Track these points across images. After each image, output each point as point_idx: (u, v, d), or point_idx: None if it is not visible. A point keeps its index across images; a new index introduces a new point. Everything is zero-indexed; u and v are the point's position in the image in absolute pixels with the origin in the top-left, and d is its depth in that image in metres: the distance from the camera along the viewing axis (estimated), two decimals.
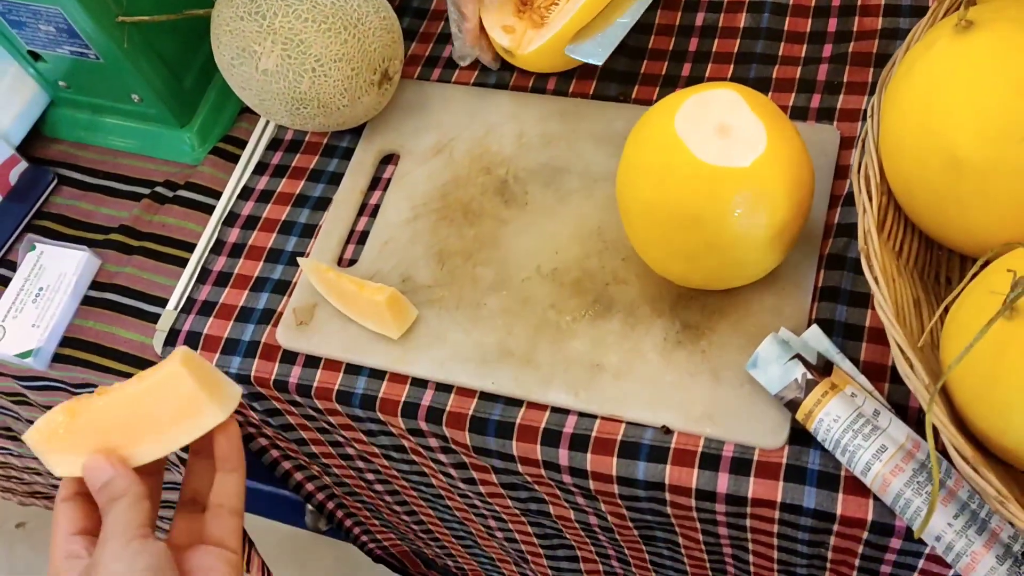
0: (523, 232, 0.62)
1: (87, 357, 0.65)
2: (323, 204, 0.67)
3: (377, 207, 0.66)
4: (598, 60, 0.62)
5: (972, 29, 0.42)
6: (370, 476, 0.74)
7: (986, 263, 0.41)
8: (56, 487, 0.88)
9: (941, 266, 0.53)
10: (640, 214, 0.52)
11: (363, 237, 0.65)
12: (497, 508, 0.67)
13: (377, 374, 0.59)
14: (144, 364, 0.63)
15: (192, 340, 0.62)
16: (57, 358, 0.65)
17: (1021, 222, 0.43)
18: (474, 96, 0.69)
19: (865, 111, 0.62)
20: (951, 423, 0.40)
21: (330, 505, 0.83)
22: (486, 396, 0.57)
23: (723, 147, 0.48)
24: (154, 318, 0.65)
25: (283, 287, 0.64)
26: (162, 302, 0.66)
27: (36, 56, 0.70)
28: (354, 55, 0.62)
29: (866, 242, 0.46)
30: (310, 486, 0.79)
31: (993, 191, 0.42)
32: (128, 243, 0.69)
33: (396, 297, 0.58)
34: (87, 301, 0.67)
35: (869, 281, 0.46)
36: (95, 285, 0.67)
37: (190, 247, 0.68)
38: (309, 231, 0.66)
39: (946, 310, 0.44)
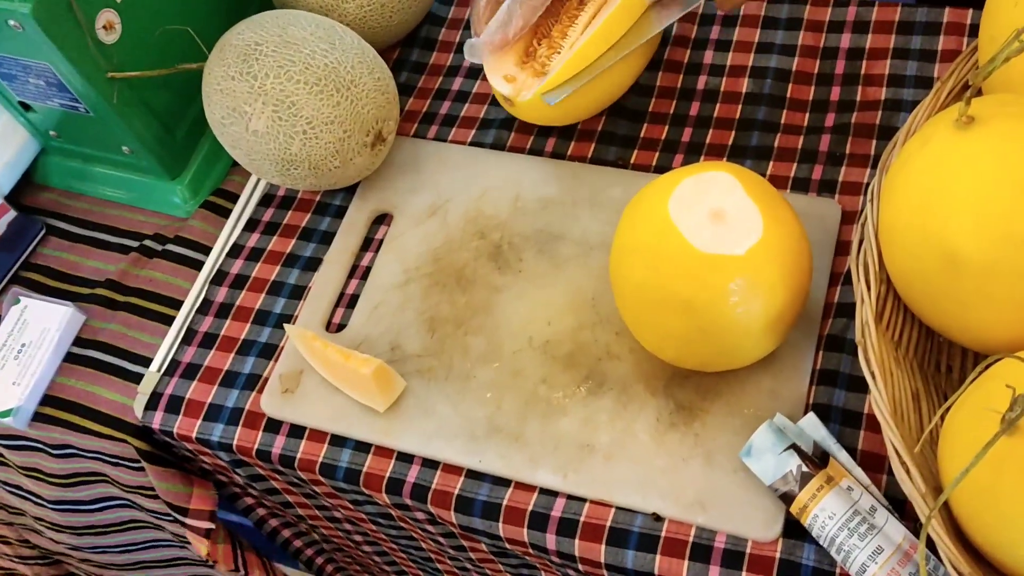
0: (516, 300, 0.61)
1: (67, 417, 0.63)
2: (314, 264, 0.66)
3: (368, 269, 0.65)
4: (551, 101, 0.61)
5: (973, 125, 0.40)
6: (358, 538, 0.72)
7: (985, 368, 0.39)
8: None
9: (942, 354, 0.51)
10: (632, 295, 0.51)
11: (353, 300, 0.64)
12: (488, 572, 0.65)
13: (362, 447, 0.57)
14: (125, 427, 0.62)
15: (174, 405, 0.61)
16: (37, 417, 0.64)
17: (1022, 323, 0.41)
18: (471, 156, 0.68)
19: (866, 187, 0.61)
20: (947, 535, 0.39)
21: (319, 560, 0.82)
22: (473, 474, 0.55)
23: (718, 233, 0.47)
24: (137, 378, 0.64)
25: (270, 351, 0.62)
26: (146, 361, 0.64)
27: (27, 107, 0.70)
28: (346, 117, 0.61)
29: (863, 335, 0.45)
30: (298, 542, 0.78)
31: (994, 292, 0.40)
32: (114, 298, 0.68)
33: (383, 370, 0.56)
34: (69, 358, 0.66)
35: (866, 374, 0.44)
36: (78, 341, 0.66)
37: (177, 304, 0.67)
38: (298, 292, 0.65)
39: (945, 409, 0.42)
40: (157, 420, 0.61)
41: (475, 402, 0.57)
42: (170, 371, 0.63)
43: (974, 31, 0.66)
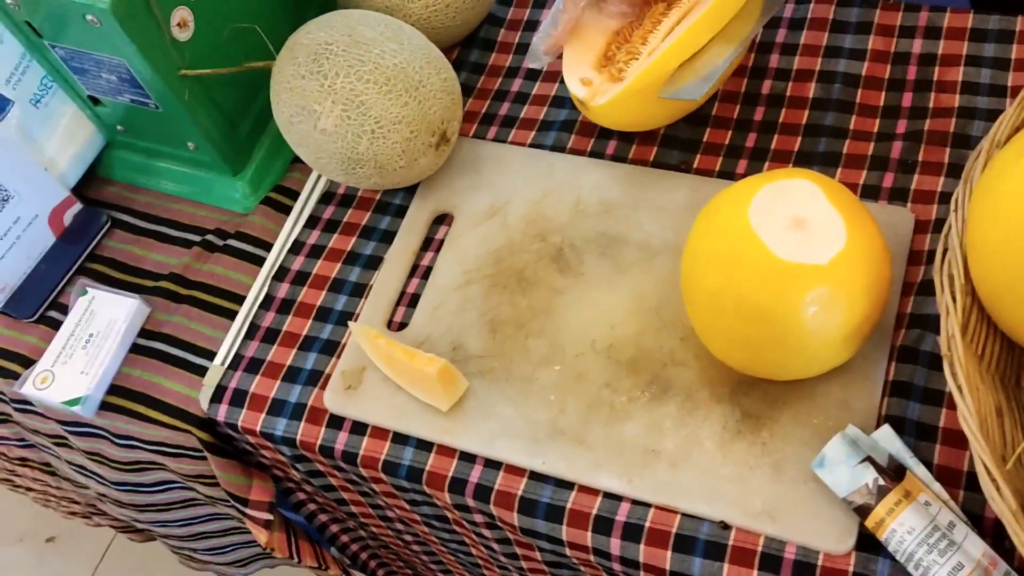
0: (578, 304, 0.60)
1: (132, 407, 0.64)
2: (374, 263, 0.66)
3: (429, 269, 0.65)
4: (695, 96, 0.60)
5: None
6: (408, 538, 0.72)
7: None
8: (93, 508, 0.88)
9: (1022, 368, 0.50)
10: (705, 301, 0.50)
11: (414, 300, 0.64)
12: None
13: (424, 445, 0.57)
14: (189, 419, 0.63)
15: (238, 398, 0.62)
16: (103, 406, 0.65)
17: None
18: (530, 158, 0.68)
19: (942, 195, 0.59)
20: None
21: (363, 555, 0.82)
22: (536, 476, 0.55)
23: (799, 241, 0.46)
24: (200, 370, 0.64)
25: (332, 348, 0.62)
26: (208, 354, 0.65)
27: (95, 100, 0.70)
28: (414, 118, 0.61)
29: (950, 348, 0.44)
30: (345, 537, 0.78)
31: None
32: (177, 291, 0.68)
33: (448, 369, 0.56)
34: (134, 349, 0.66)
35: (953, 390, 0.43)
36: (143, 333, 0.67)
37: (238, 299, 0.67)
38: (360, 290, 0.65)
39: None
40: (222, 413, 0.61)
41: (537, 404, 0.57)
42: (234, 365, 0.63)
43: None
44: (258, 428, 0.60)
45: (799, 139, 0.65)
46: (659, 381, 0.56)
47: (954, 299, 0.45)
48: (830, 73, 0.67)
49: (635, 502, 0.53)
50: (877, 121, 0.64)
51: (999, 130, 0.50)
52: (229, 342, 0.64)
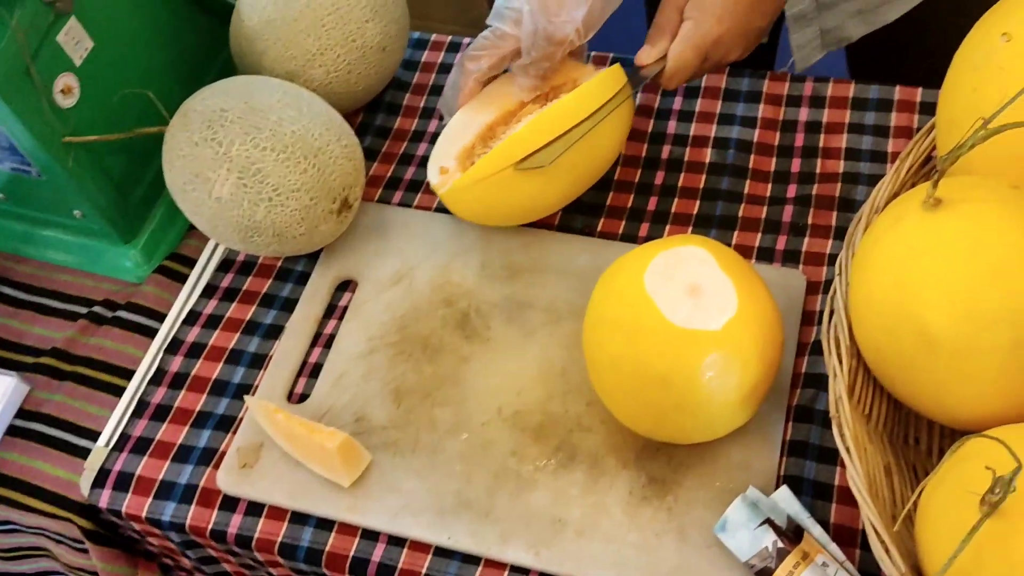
0: (484, 370, 0.60)
1: (8, 494, 0.60)
2: (275, 332, 0.64)
3: (332, 337, 0.63)
4: (544, 163, 0.59)
5: (941, 207, 0.42)
6: None
7: (960, 446, 0.39)
8: None
9: (909, 426, 0.52)
10: (606, 368, 0.50)
11: (316, 370, 0.62)
12: None
13: (325, 524, 0.55)
14: (70, 505, 0.59)
15: (123, 482, 0.58)
16: None
17: (997, 400, 0.42)
18: (437, 222, 0.68)
19: (831, 256, 0.62)
20: None
21: None
22: (442, 552, 0.53)
23: (694, 308, 0.47)
24: (83, 452, 0.61)
25: (227, 423, 0.60)
26: (93, 435, 0.61)
27: None
28: (313, 184, 0.60)
29: (837, 409, 0.45)
30: None
31: (967, 370, 0.41)
32: (60, 368, 0.65)
33: (349, 443, 0.55)
34: (11, 431, 0.62)
35: (841, 451, 0.44)
36: (21, 413, 0.63)
37: (128, 374, 0.64)
38: (259, 361, 0.63)
39: (921, 488, 0.42)
40: (104, 498, 0.58)
41: (443, 476, 0.56)
42: (119, 446, 0.60)
43: (924, 108, 0.68)
44: (143, 514, 0.57)
45: (697, 203, 0.66)
46: (566, 448, 0.56)
47: (840, 361, 0.47)
48: (724, 139, 0.69)
49: (543, 574, 0.52)
50: (769, 186, 0.66)
51: (878, 196, 0.52)
52: (115, 421, 0.61)
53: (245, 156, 0.59)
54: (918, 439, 0.51)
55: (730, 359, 0.47)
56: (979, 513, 0.36)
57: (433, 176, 0.63)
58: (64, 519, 0.58)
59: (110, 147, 0.64)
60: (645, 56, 0.61)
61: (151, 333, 0.66)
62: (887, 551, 0.40)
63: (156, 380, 0.63)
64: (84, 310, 0.68)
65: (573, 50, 0.61)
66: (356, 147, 0.64)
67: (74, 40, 0.61)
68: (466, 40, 0.79)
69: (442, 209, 0.69)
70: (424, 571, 0.53)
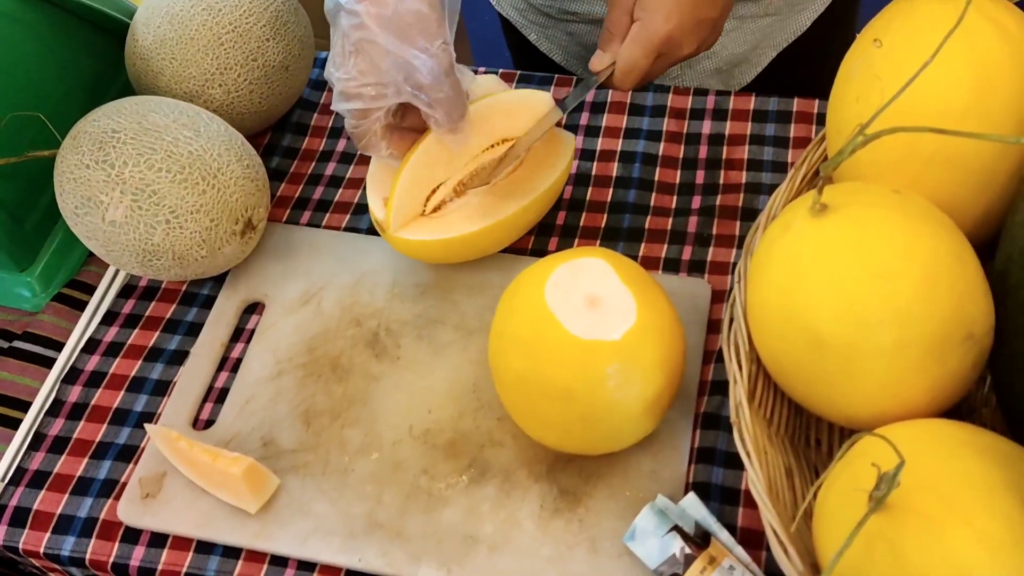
0: (395, 389, 0.59)
1: None
2: (179, 358, 0.62)
3: (239, 361, 0.62)
4: (488, 181, 0.60)
5: (826, 213, 0.43)
6: None
7: (851, 445, 0.40)
8: None
9: (810, 429, 0.53)
10: (512, 383, 0.50)
11: (222, 395, 0.60)
12: None
13: (232, 552, 0.54)
14: None
15: (19, 517, 0.56)
16: None
17: (886, 400, 0.43)
18: (345, 242, 0.67)
19: (734, 267, 0.63)
20: None
21: None
22: (353, 574, 0.52)
23: (594, 319, 0.47)
24: None
25: (129, 454, 0.58)
26: None
27: None
28: (213, 206, 0.59)
29: (738, 415, 0.46)
30: None
31: (856, 371, 0.42)
32: None
33: (254, 468, 0.54)
34: None
35: (742, 456, 0.45)
36: None
37: (24, 406, 0.61)
38: (162, 388, 0.61)
39: (816, 488, 0.43)
40: (0, 535, 0.55)
41: (354, 497, 0.55)
42: (15, 480, 0.57)
43: (821, 119, 0.71)
44: (42, 549, 0.55)
45: (605, 216, 0.67)
46: (478, 464, 0.55)
47: (740, 367, 0.47)
48: (630, 153, 0.70)
49: None
50: (675, 198, 0.68)
51: (774, 204, 0.54)
52: (11, 455, 0.58)
53: (139, 178, 0.57)
54: (819, 441, 0.53)
55: (631, 368, 0.47)
56: (867, 510, 0.37)
57: (379, 209, 0.60)
58: None
59: (1, 172, 0.62)
60: (597, 62, 0.61)
61: (49, 363, 0.63)
62: (785, 551, 0.40)
63: (53, 411, 0.60)
64: None
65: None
66: (259, 167, 0.63)
67: None
68: None
69: (351, 228, 0.68)
70: None
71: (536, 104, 0.62)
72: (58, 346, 0.64)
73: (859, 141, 0.40)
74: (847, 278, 0.42)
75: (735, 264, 0.63)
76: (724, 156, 0.69)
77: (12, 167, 0.62)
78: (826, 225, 0.43)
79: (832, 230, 0.43)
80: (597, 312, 0.47)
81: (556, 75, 0.76)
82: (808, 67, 0.78)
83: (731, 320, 0.50)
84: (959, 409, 0.46)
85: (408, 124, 0.60)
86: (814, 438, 0.53)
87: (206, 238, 0.59)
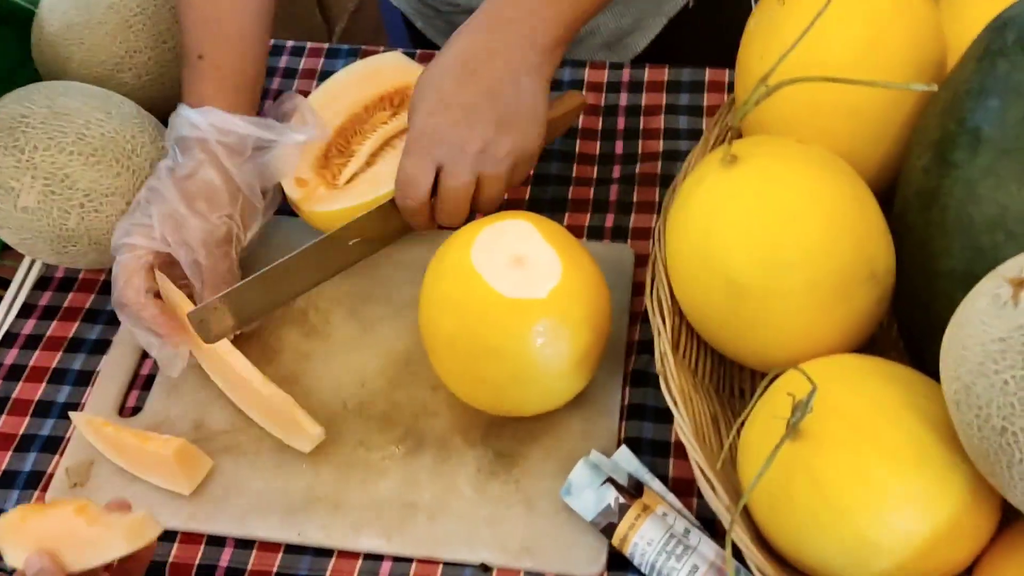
0: (326, 366, 0.59)
1: None
2: (102, 347, 0.61)
3: None
4: None
5: (736, 163, 0.45)
6: None
7: (770, 382, 0.42)
8: None
9: (734, 379, 0.55)
10: (443, 347, 0.51)
11: (148, 381, 0.59)
12: None
13: (167, 536, 0.53)
14: None
15: None
16: None
17: (799, 339, 0.45)
18: (268, 222, 0.66)
19: (656, 231, 0.65)
20: (752, 542, 0.41)
21: None
22: (293, 549, 0.52)
23: (519, 278, 0.48)
24: None
25: (54, 444, 0.57)
26: None
27: None
28: (128, 188, 0.58)
29: (663, 364, 0.48)
30: None
31: (770, 313, 0.44)
32: None
33: (186, 448, 0.53)
34: None
35: (668, 402, 0.47)
36: None
37: None
38: (86, 378, 0.60)
39: (739, 428, 0.45)
40: None
41: (290, 474, 0.54)
42: None
43: (732, 87, 0.73)
44: None
45: (529, 188, 0.68)
46: (413, 434, 0.56)
47: (664, 320, 0.49)
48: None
49: (396, 559, 0.52)
50: (595, 168, 0.69)
51: (688, 166, 0.56)
52: None
53: (50, 162, 0.56)
54: (743, 390, 0.55)
55: (558, 325, 0.48)
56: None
57: (292, 190, 0.61)
58: None
59: None
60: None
61: None
62: (713, 487, 0.42)
63: None
64: None
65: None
66: None
67: None
68: (290, 43, 0.79)
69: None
70: (275, 570, 0.51)
71: (391, 63, 0.64)
72: None
73: (762, 91, 0.42)
74: (758, 224, 0.44)
75: (656, 228, 0.65)
76: (641, 126, 0.71)
77: None
78: (736, 175, 0.45)
79: (742, 179, 0.44)
80: (523, 271, 0.48)
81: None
82: (703, 32, 0.80)
83: (652, 277, 0.52)
84: (868, 352, 0.48)
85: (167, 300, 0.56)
86: (738, 388, 0.55)
87: None
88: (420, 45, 0.90)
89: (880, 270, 0.45)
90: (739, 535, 0.40)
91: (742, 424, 0.44)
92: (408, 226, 0.57)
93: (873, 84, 0.40)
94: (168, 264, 0.56)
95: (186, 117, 0.57)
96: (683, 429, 0.45)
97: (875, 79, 0.41)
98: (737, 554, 0.48)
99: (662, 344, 0.48)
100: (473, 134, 0.52)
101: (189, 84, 0.59)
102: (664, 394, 0.47)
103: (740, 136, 0.57)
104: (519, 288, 0.48)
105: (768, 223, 0.43)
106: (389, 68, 0.66)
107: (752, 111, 0.43)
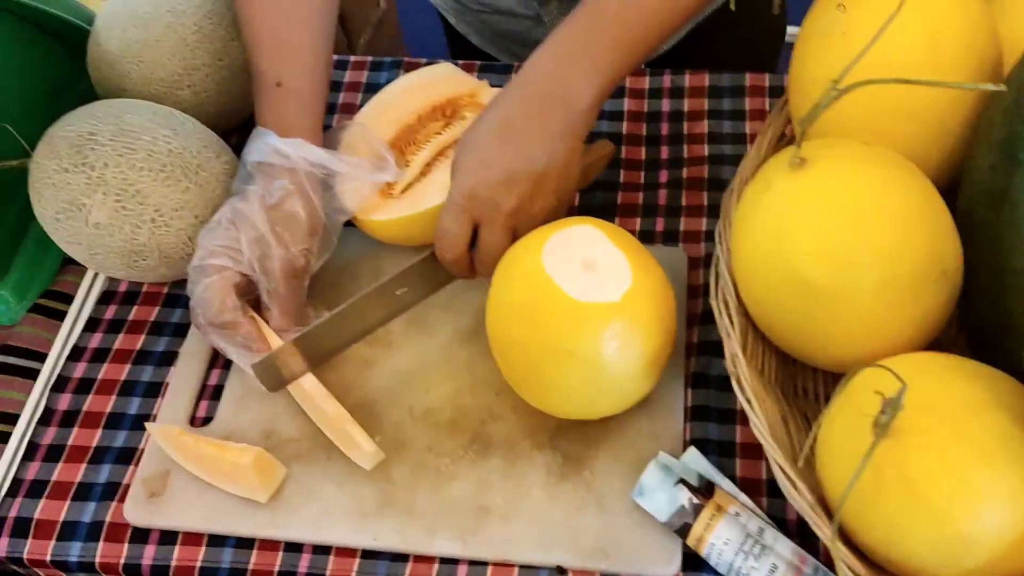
0: (390, 373, 0.60)
1: None
2: (168, 359, 0.62)
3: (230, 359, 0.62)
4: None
5: (805, 166, 0.45)
6: None
7: (848, 380, 0.43)
8: None
9: (796, 378, 0.56)
10: (515, 352, 0.52)
11: (217, 392, 0.60)
12: None
13: (245, 543, 0.54)
14: None
15: (20, 528, 0.55)
16: None
17: (872, 338, 0.46)
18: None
19: (707, 233, 0.66)
20: (844, 543, 0.42)
21: None
22: (369, 554, 0.53)
23: (591, 282, 0.49)
24: None
25: (128, 455, 0.58)
26: None
27: None
28: (197, 203, 0.59)
29: (735, 365, 0.48)
30: None
31: (843, 312, 0.45)
32: None
33: (262, 457, 0.54)
34: None
35: (743, 404, 0.47)
36: None
37: (10, 418, 0.60)
38: (155, 390, 0.61)
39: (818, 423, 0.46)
40: (2, 547, 0.54)
41: (361, 480, 0.55)
42: (12, 491, 0.56)
43: (773, 92, 0.74)
44: (48, 557, 0.54)
45: (577, 195, 0.69)
46: (480, 438, 0.57)
47: (731, 321, 0.50)
48: (593, 134, 0.72)
49: (472, 562, 0.52)
50: (642, 173, 0.70)
51: (745, 169, 0.56)
52: (4, 466, 0.57)
53: (121, 178, 0.57)
54: (806, 389, 0.55)
55: (631, 328, 0.49)
56: (873, 438, 0.39)
57: (349, 198, 0.62)
58: None
59: None
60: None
61: (31, 374, 0.62)
62: (795, 485, 0.43)
63: (45, 420, 0.59)
64: None
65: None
66: (236, 164, 0.63)
67: None
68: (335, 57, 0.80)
69: None
70: (354, 574, 0.52)
71: (443, 74, 0.65)
72: (39, 356, 0.63)
73: (834, 94, 0.43)
74: (830, 225, 0.44)
75: (707, 232, 0.66)
76: (685, 131, 0.72)
77: None
78: (806, 177, 0.45)
79: (812, 182, 0.45)
80: (594, 275, 0.49)
81: (479, 61, 0.78)
82: (729, 37, 0.81)
83: (716, 279, 0.52)
84: (932, 349, 0.49)
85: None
86: (801, 387, 0.55)
87: (191, 235, 0.59)
88: (456, 44, 0.91)
89: (950, 268, 0.46)
90: (828, 537, 0.41)
91: (819, 424, 0.44)
92: (451, 275, 0.58)
93: (945, 85, 0.41)
94: (242, 286, 0.57)
95: (273, 145, 0.58)
96: (759, 428, 0.46)
97: (939, 80, 0.42)
98: (813, 550, 0.48)
99: (732, 345, 0.49)
100: (509, 195, 0.53)
101: (268, 109, 0.60)
102: (737, 395, 0.48)
103: (794, 139, 0.58)
104: (592, 292, 0.49)
105: (841, 224, 0.44)
106: (440, 79, 0.67)
107: (808, 118, 0.44)
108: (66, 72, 0.71)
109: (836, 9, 0.50)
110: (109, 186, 0.57)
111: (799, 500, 0.43)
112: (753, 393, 0.47)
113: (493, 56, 0.88)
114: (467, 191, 0.54)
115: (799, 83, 0.53)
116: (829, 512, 0.44)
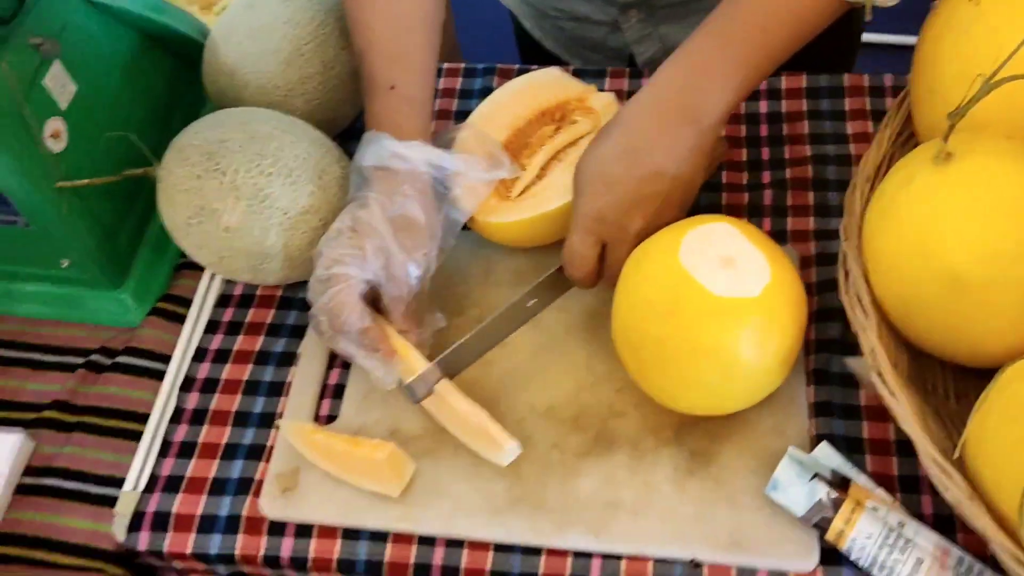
0: (510, 372, 0.61)
1: (29, 554, 0.57)
2: (288, 359, 0.63)
3: None
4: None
5: (952, 161, 0.46)
6: None
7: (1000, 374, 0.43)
8: None
9: (925, 374, 0.55)
10: (646, 348, 0.52)
11: (338, 391, 0.62)
12: None
13: (379, 536, 0.55)
14: (99, 555, 0.56)
15: (160, 521, 0.56)
16: None
17: (1020, 332, 0.46)
18: None
19: (815, 232, 0.65)
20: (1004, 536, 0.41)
21: None
22: (502, 548, 0.54)
23: (730, 278, 0.49)
24: (104, 500, 0.58)
25: (258, 452, 0.59)
26: (113, 481, 0.59)
27: None
28: (321, 206, 0.61)
29: (874, 359, 0.48)
30: None
31: (995, 305, 0.45)
32: (65, 420, 0.62)
33: (396, 453, 0.55)
34: (22, 490, 0.59)
35: (886, 396, 0.47)
36: (30, 471, 0.60)
37: (139, 417, 0.62)
38: (278, 389, 0.62)
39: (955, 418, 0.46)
40: (144, 541, 0.56)
41: (490, 476, 0.56)
42: (150, 487, 0.58)
43: (873, 91, 0.74)
44: (189, 550, 0.55)
45: None
46: (605, 435, 0.57)
47: (866, 315, 0.50)
48: None
49: (606, 556, 0.53)
50: (745, 174, 0.70)
51: (866, 165, 0.57)
52: (140, 463, 0.59)
53: (252, 183, 0.59)
54: (934, 385, 0.55)
55: (770, 322, 0.49)
56: None
57: (466, 199, 0.62)
58: (95, 570, 0.56)
59: (98, 191, 0.63)
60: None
61: (156, 375, 0.64)
62: (950, 477, 0.43)
63: (176, 419, 0.61)
64: (79, 360, 0.66)
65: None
66: (348, 167, 0.65)
67: (60, 84, 0.60)
68: None
69: None
70: (489, 568, 0.53)
71: (549, 79, 0.66)
72: (162, 358, 0.65)
73: (986, 88, 0.43)
74: (980, 218, 0.45)
75: (815, 231, 0.66)
76: (785, 132, 0.72)
77: (105, 186, 0.63)
78: (953, 172, 0.46)
79: (960, 176, 0.45)
80: (733, 271, 0.50)
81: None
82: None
83: (847, 274, 0.53)
84: None
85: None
86: (929, 383, 0.55)
87: (315, 238, 0.61)
88: (527, 48, 0.92)
89: None
90: (990, 528, 0.41)
91: (972, 417, 0.44)
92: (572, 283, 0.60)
93: None
94: (367, 293, 0.58)
95: (391, 148, 0.58)
96: (908, 421, 0.46)
97: None
98: (959, 542, 0.48)
99: (869, 339, 0.49)
100: (635, 216, 0.54)
101: (382, 112, 0.60)
102: (880, 389, 0.48)
103: (913, 136, 0.59)
104: (732, 287, 0.49)
105: (990, 216, 0.44)
106: (547, 84, 0.68)
107: (960, 112, 0.44)
108: (176, 84, 0.73)
109: (969, 3, 0.50)
110: (240, 191, 0.59)
111: (955, 491, 0.43)
112: (897, 385, 0.47)
113: (565, 61, 0.89)
114: (595, 213, 0.54)
115: (927, 80, 0.53)
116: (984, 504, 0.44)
